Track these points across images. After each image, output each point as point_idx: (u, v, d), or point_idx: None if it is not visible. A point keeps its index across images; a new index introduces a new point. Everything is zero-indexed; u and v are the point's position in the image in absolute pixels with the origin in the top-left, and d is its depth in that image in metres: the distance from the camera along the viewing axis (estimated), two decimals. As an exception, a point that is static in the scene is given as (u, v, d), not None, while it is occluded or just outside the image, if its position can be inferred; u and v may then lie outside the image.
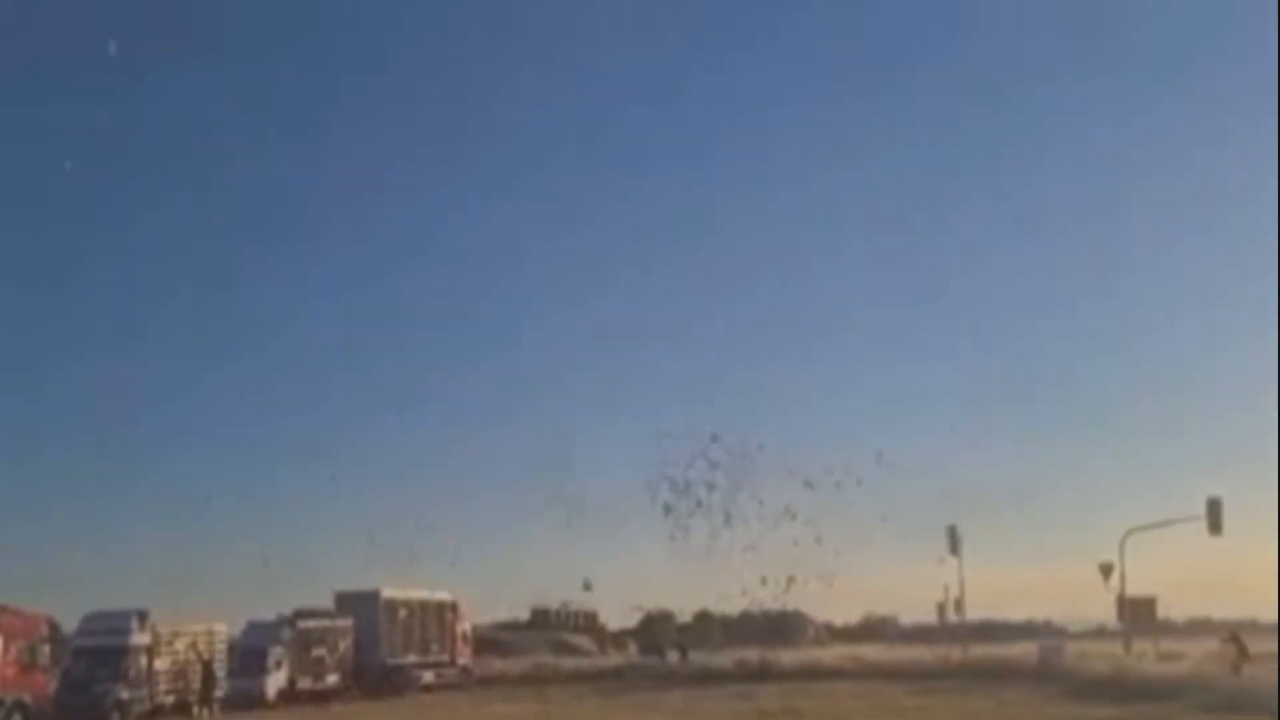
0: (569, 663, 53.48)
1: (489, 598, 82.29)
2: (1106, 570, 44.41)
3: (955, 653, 48.06)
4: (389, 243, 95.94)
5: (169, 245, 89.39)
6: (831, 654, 52.07)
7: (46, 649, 28.57)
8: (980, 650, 48.51)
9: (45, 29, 78.07)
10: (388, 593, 41.12)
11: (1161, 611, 49.36)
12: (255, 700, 34.45)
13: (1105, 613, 59.72)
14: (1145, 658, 41.01)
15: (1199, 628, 66.17)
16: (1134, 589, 45.71)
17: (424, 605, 42.85)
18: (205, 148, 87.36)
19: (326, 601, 40.40)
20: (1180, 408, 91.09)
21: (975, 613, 55.33)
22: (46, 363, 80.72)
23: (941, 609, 53.08)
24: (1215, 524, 41.07)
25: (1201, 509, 41.42)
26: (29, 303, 78.57)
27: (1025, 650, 45.54)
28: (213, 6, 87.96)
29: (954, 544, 49.70)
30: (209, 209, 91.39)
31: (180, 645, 31.98)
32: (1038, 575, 79.63)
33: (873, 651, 52.68)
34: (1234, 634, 36.49)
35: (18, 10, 66.15)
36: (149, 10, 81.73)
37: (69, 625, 35.19)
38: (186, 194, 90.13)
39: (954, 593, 51.75)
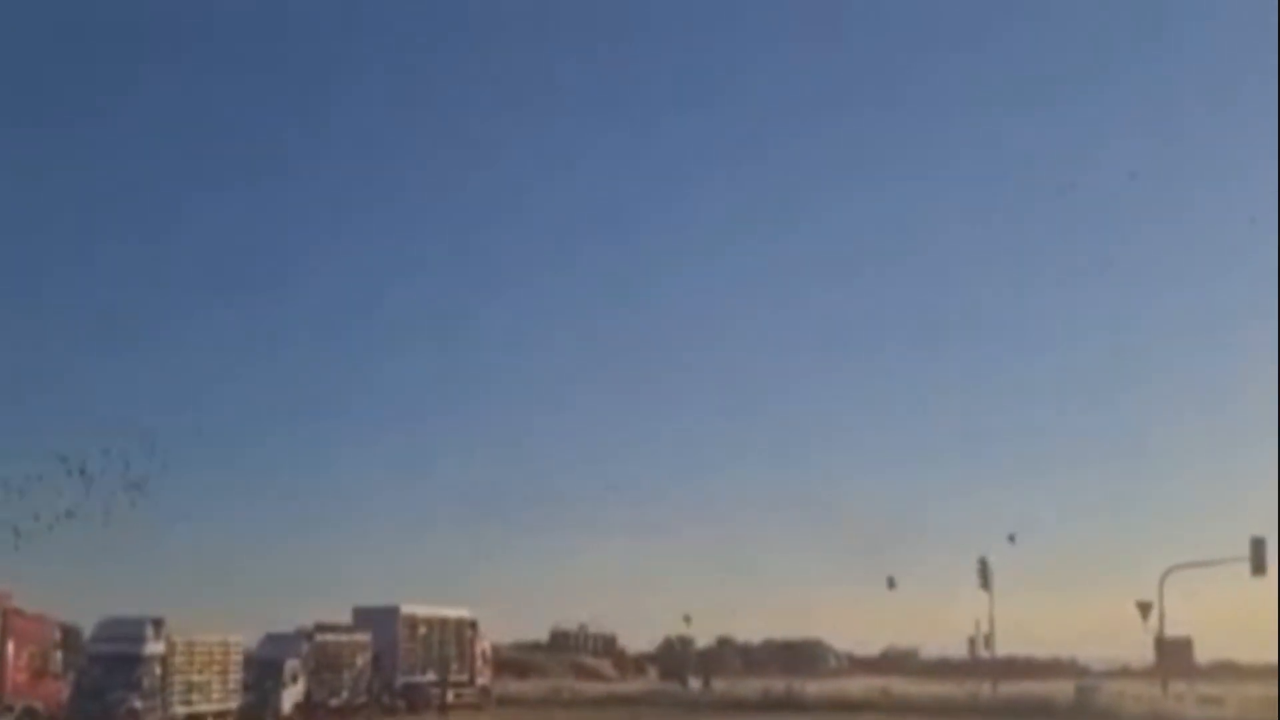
0: (590, 687, 52.60)
1: (507, 617, 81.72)
2: (1145, 609, 43.14)
3: (985, 689, 46.87)
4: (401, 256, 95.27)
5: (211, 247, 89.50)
6: (859, 685, 50.87)
7: (59, 655, 27.93)
8: (1010, 687, 47.29)
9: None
10: (407, 609, 40.45)
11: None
12: (271, 714, 33.87)
13: (1131, 652, 58.36)
14: (1184, 700, 39.71)
15: (1224, 670, 64.36)
16: (1168, 629, 44.41)
17: (444, 623, 42.15)
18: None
19: (345, 617, 39.80)
20: (1222, 442, 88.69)
21: (1003, 648, 54.02)
22: (54, 363, 79.90)
23: (973, 643, 51.82)
24: (1259, 564, 39.85)
25: (1244, 549, 40.20)
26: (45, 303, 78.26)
27: (1058, 688, 44.31)
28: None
29: (985, 577, 48.51)
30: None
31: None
32: (1066, 612, 77.88)
33: (899, 684, 51.48)
34: None
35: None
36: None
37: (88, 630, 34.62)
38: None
39: (984, 627, 50.53)
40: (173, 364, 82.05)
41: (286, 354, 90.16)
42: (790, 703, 44.24)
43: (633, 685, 56.22)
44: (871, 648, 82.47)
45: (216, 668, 32.02)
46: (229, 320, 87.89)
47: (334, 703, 36.51)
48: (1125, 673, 59.39)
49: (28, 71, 78.37)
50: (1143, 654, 50.41)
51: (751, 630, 79.67)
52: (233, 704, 32.42)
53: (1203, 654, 64.39)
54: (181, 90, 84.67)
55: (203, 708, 31.34)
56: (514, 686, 49.40)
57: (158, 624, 30.17)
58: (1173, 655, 44.52)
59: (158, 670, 29.96)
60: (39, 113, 78.85)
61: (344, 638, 37.86)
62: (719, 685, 52.01)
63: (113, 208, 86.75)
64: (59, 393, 71.15)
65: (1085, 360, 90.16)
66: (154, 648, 29.91)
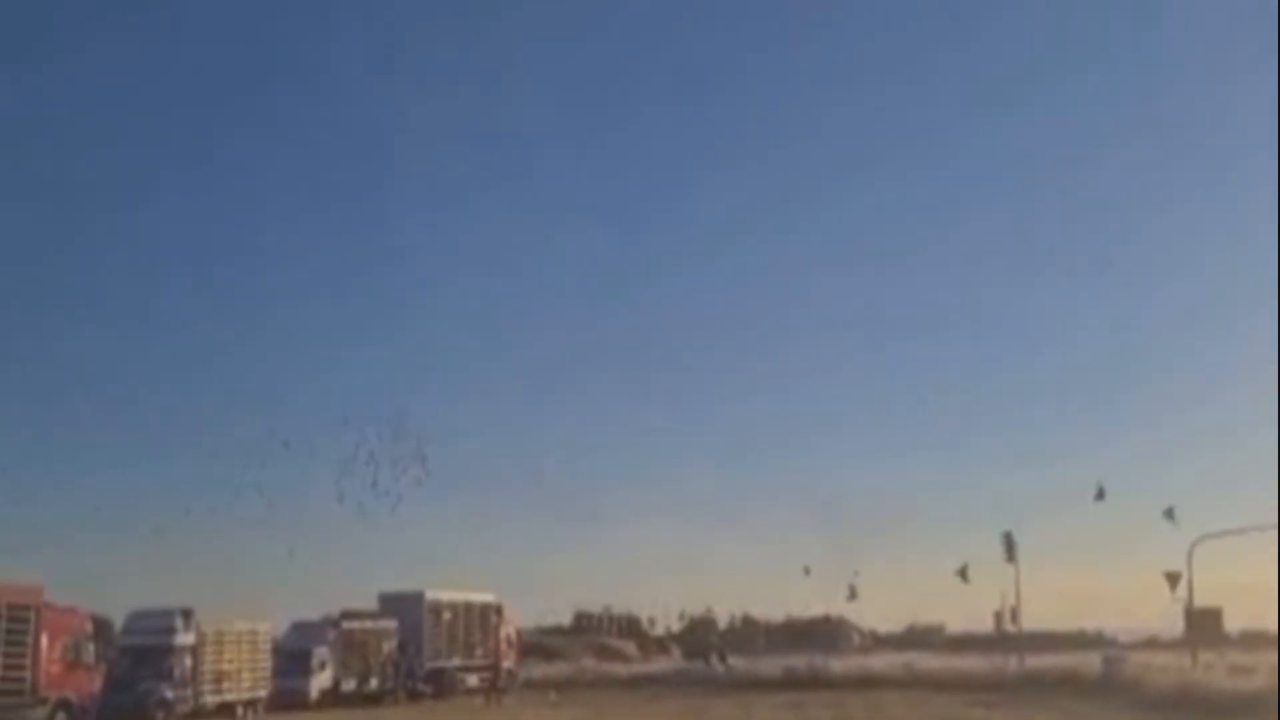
0: (614, 668, 52.72)
1: (532, 601, 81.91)
2: (1173, 579, 42.90)
3: (1010, 662, 46.74)
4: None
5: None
6: (882, 662, 50.72)
7: (91, 647, 28.07)
8: (1036, 660, 47.14)
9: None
10: (432, 594, 40.52)
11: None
12: (299, 701, 34.03)
13: (1159, 623, 58.13)
14: (1214, 670, 39.49)
15: (1255, 640, 64.03)
16: (1197, 599, 44.22)
17: (468, 607, 42.24)
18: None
19: (371, 603, 39.95)
20: (1246, 409, 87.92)
21: (1028, 622, 53.90)
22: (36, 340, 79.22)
23: (999, 618, 51.67)
24: (1289, 532, 39.53)
25: (1274, 517, 39.90)
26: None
27: (1084, 661, 44.13)
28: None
29: (1010, 551, 48.33)
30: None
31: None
32: (1090, 584, 77.50)
33: (923, 660, 51.38)
34: None
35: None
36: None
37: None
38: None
39: (1010, 601, 50.40)
40: (167, 348, 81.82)
41: (293, 337, 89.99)
42: (813, 680, 44.18)
43: (656, 665, 56.30)
44: (895, 624, 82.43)
45: (246, 657, 32.21)
46: (224, 306, 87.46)
47: (361, 689, 36.67)
48: (1154, 644, 59.16)
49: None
50: (1172, 624, 50.29)
51: (773, 610, 79.78)
52: (262, 692, 32.60)
53: (1232, 623, 64.07)
54: (176, 74, 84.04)
55: (232, 696, 31.54)
56: (538, 670, 49.49)
57: (187, 615, 30.40)
58: (1202, 625, 44.38)
59: (188, 660, 30.18)
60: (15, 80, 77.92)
61: (370, 625, 38.01)
62: (740, 664, 52.04)
63: (98, 184, 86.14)
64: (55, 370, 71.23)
65: (1085, 359, 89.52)
66: (184, 638, 30.14)
